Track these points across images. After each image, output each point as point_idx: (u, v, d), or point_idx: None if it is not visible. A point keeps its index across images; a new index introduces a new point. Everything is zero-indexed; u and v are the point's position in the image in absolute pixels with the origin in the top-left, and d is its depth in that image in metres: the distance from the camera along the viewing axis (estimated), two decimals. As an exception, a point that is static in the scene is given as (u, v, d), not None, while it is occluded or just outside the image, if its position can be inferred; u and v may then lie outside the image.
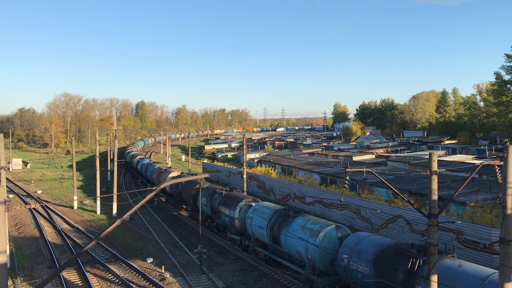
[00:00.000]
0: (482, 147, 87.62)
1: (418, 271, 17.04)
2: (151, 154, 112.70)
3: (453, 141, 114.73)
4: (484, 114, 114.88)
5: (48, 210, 46.23)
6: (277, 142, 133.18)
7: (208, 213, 37.40)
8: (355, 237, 21.55)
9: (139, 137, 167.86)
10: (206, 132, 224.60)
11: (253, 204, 31.34)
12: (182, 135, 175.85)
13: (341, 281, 22.57)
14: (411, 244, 19.28)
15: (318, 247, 22.39)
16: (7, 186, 55.99)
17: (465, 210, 33.52)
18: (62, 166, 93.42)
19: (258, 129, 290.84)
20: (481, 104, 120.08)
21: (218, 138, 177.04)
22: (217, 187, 38.78)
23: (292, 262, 26.29)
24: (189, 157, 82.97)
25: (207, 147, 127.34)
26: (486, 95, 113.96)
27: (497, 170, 13.42)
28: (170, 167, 56.81)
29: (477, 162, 59.60)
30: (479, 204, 32.95)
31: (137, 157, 74.47)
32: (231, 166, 74.65)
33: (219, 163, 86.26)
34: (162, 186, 10.70)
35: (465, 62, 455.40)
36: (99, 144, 52.30)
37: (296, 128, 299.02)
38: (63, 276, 25.67)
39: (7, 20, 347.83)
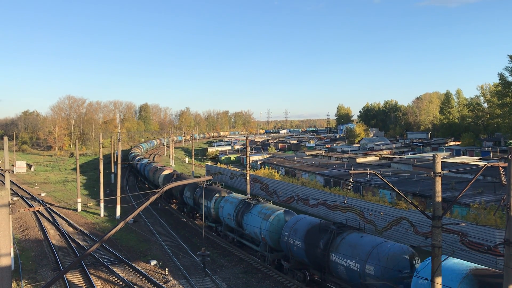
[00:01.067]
0: (486, 148, 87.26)
1: (333, 242, 21.33)
2: (154, 156, 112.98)
3: (457, 143, 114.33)
4: (488, 116, 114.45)
5: (52, 212, 46.35)
6: (280, 144, 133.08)
7: (192, 205, 42.39)
8: (295, 219, 25.63)
9: (143, 140, 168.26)
10: (213, 134, 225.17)
11: (224, 195, 36.06)
12: (188, 137, 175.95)
13: (286, 256, 26.58)
14: (333, 222, 23.97)
15: (269, 228, 26.80)
16: (11, 188, 56.21)
17: (469, 212, 33.37)
18: (66, 169, 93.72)
19: (263, 131, 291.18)
20: (485, 105, 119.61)
21: (222, 140, 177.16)
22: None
23: (253, 243, 30.56)
24: (193, 159, 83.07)
25: (211, 149, 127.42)
26: (490, 97, 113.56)
27: (501, 172, 13.35)
28: (164, 166, 62.91)
29: (481, 163, 59.37)
30: (483, 206, 32.79)
31: (137, 157, 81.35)
32: (235, 168, 74.65)
33: (222, 165, 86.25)
34: (165, 189, 10.72)
35: (468, 64, 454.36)
36: (102, 147, 52.39)
37: (301, 130, 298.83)
38: (67, 279, 25.72)
39: (11, 23, 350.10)
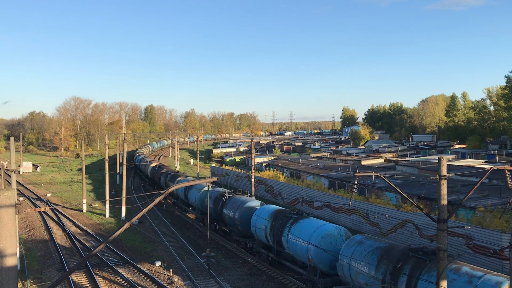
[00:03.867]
0: (492, 151, 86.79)
1: (225, 202, 34.75)
2: (160, 157, 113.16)
3: (462, 146, 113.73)
4: (494, 119, 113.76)
5: (57, 213, 46.58)
6: (285, 146, 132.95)
7: (164, 186, 54.38)
8: (213, 191, 38.32)
9: (148, 141, 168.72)
10: (225, 135, 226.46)
11: (182, 178, 49.96)
12: (201, 138, 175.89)
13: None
14: (234, 191, 38.47)
15: (199, 198, 40.33)
16: (17, 189, 56.54)
17: (474, 215, 33.20)
18: (71, 170, 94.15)
19: (276, 131, 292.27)
20: (491, 108, 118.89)
21: (226, 142, 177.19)
22: (170, 169, 60.03)
23: (194, 210, 43.55)
24: (198, 160, 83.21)
25: (216, 151, 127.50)
26: (496, 99, 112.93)
27: (507, 175, 13.31)
28: (154, 160, 78.90)
29: (487, 166, 59.04)
30: (489, 209, 32.62)
31: (136, 154, 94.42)
32: (239, 170, 74.68)
33: (227, 167, 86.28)
34: (170, 190, 10.79)
35: (475, 66, 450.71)
36: (108, 148, 52.59)
37: (315, 131, 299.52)
38: (72, 279, 25.83)
39: (17, 24, 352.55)
